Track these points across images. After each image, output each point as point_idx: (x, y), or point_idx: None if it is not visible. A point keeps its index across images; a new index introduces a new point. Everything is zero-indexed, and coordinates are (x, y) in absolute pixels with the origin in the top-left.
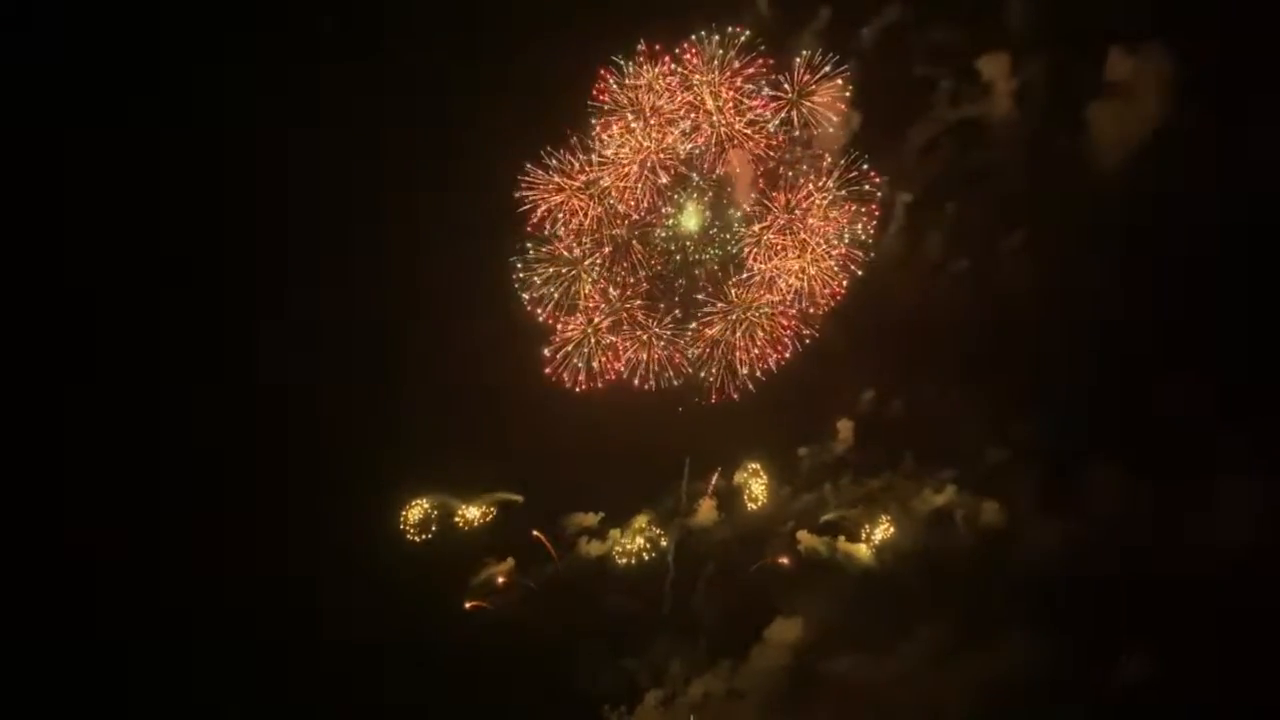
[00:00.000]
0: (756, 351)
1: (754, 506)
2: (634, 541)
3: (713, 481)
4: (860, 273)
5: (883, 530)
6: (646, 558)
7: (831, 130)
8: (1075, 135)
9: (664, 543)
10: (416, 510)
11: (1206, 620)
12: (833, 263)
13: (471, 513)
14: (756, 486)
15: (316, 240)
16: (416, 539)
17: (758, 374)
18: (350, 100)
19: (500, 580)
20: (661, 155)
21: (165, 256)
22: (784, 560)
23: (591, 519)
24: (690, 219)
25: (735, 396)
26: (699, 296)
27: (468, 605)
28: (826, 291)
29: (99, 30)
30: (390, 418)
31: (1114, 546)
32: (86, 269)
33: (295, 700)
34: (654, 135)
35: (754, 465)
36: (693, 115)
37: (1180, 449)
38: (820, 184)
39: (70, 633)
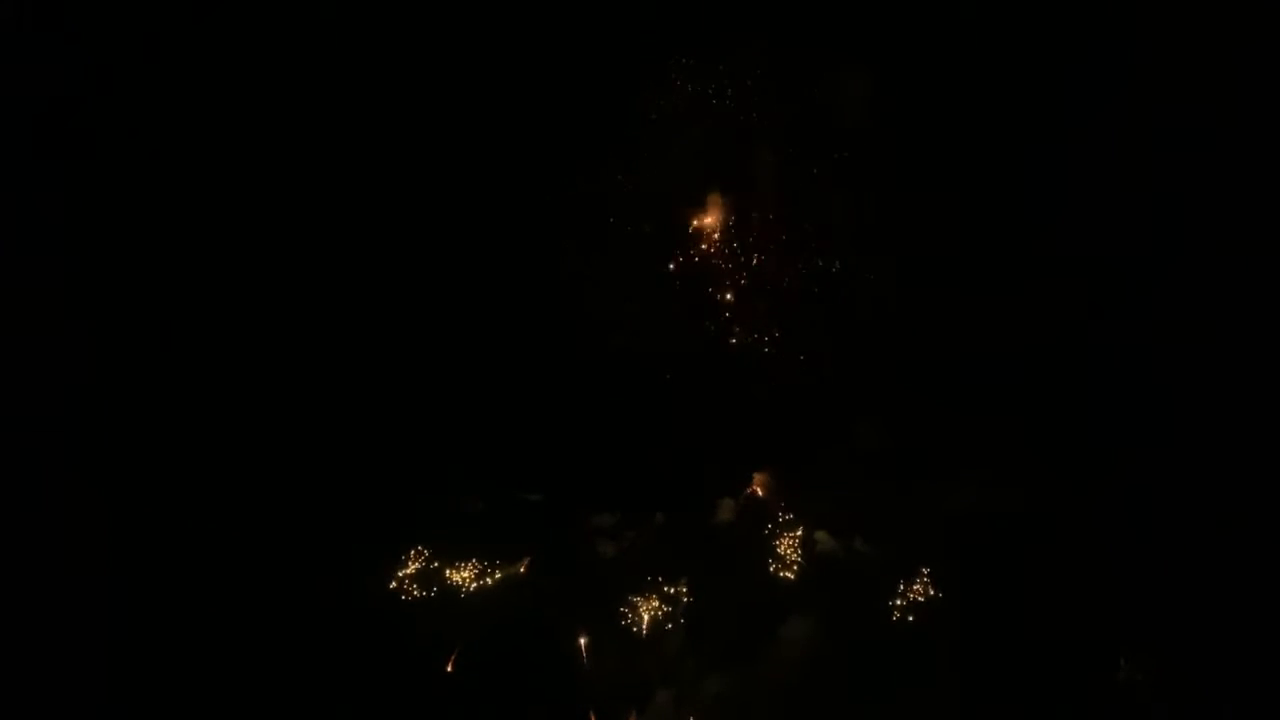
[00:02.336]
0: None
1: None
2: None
3: (743, 488)
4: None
5: (924, 599)
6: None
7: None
8: None
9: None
10: (414, 565)
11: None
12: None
13: (464, 573)
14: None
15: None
16: (414, 595)
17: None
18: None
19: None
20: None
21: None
22: (801, 559)
23: (608, 518)
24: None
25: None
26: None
27: (449, 668)
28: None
29: None
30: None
31: (1137, 550)
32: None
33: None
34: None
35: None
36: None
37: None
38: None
39: None
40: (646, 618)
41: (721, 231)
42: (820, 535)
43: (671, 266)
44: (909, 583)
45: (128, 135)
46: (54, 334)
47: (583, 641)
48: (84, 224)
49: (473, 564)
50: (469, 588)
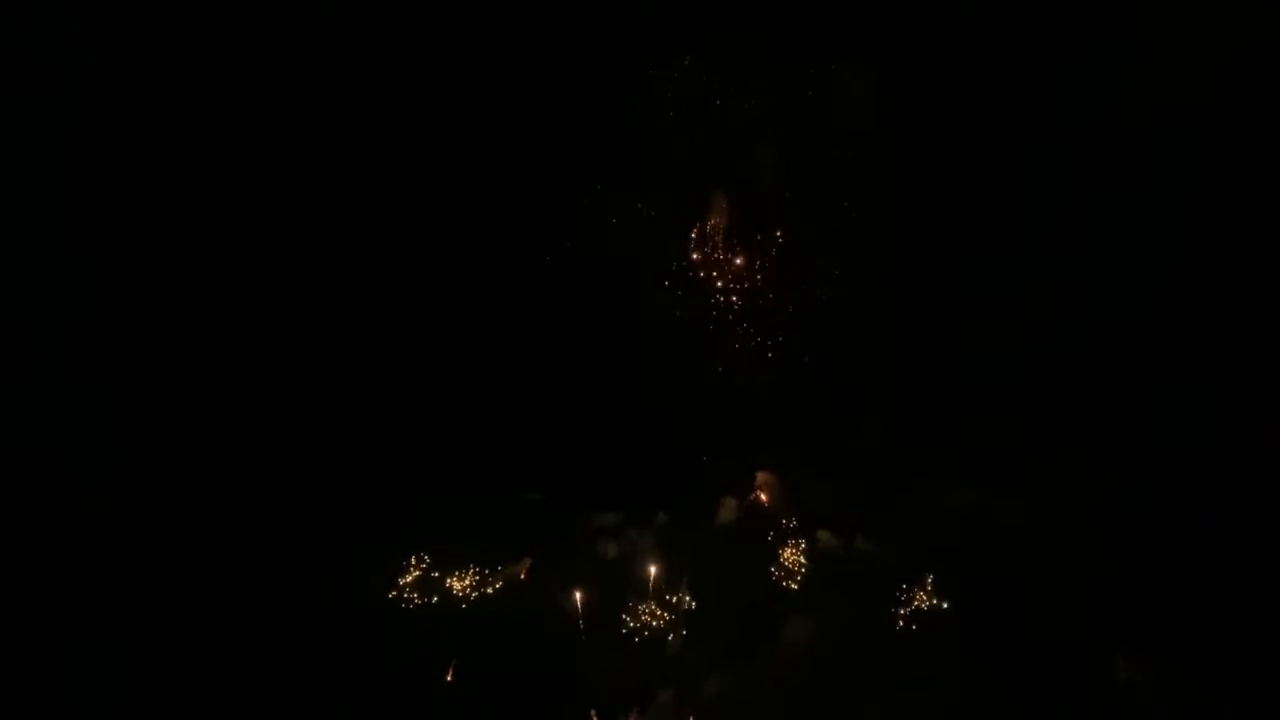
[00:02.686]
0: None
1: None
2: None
3: (746, 488)
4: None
5: (925, 598)
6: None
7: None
8: None
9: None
10: (417, 565)
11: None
12: None
13: (466, 574)
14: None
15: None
16: (417, 596)
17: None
18: None
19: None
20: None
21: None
22: (803, 558)
23: (610, 518)
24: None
25: None
26: None
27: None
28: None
29: None
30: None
31: (1137, 550)
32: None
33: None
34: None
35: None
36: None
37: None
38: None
39: None
40: (648, 618)
41: (725, 234)
42: (822, 534)
43: (675, 268)
44: (910, 581)
45: (128, 136)
46: (56, 337)
47: (584, 641)
48: (86, 226)
49: (475, 564)
50: (471, 588)
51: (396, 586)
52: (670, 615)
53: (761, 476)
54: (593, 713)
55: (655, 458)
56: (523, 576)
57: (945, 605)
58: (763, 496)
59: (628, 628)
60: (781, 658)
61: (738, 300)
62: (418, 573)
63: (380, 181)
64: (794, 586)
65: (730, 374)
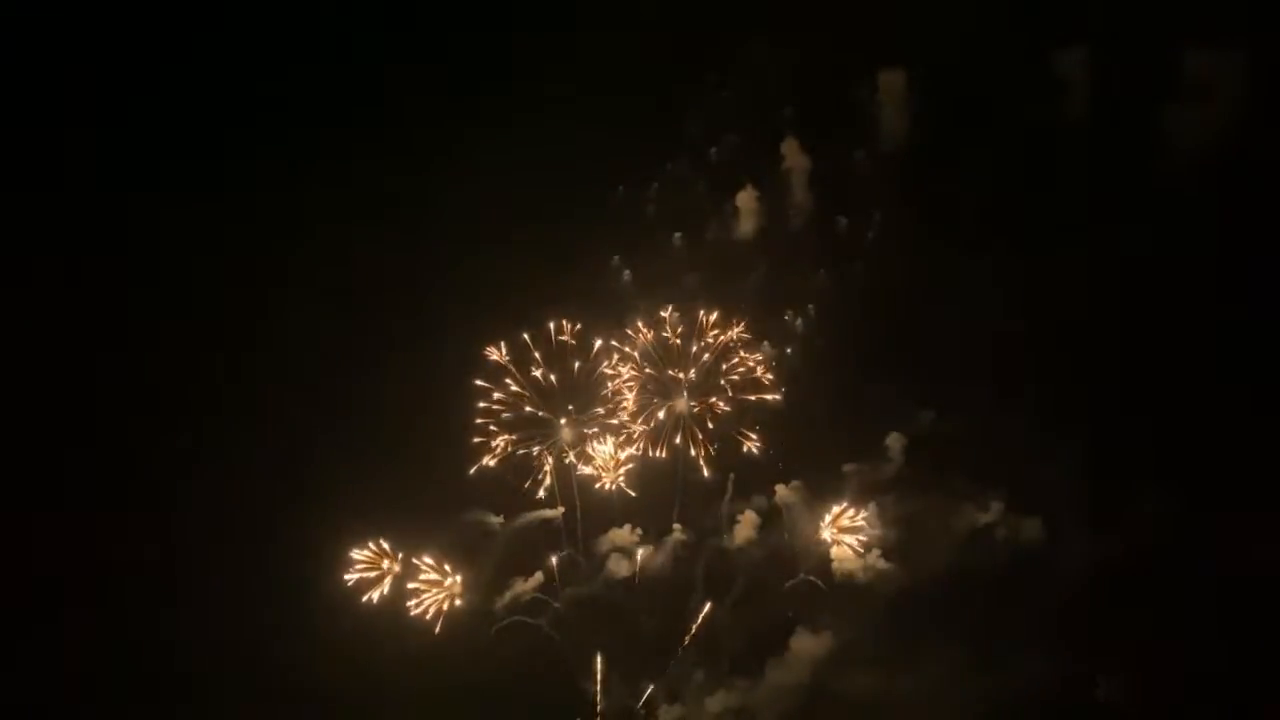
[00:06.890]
0: None
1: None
2: None
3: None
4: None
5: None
6: None
7: None
8: None
9: None
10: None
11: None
12: None
13: (478, 588)
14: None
15: None
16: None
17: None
18: None
19: (526, 597)
20: None
21: None
22: (815, 578)
23: (626, 536)
24: None
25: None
26: None
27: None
28: None
29: None
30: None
31: (1151, 566)
32: None
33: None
34: None
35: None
36: None
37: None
38: None
39: None
40: (657, 634)
41: (750, 243)
42: (837, 553)
43: (697, 277)
44: (922, 601)
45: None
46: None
47: (592, 657)
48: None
49: (486, 579)
50: (482, 603)
51: (407, 599)
52: (680, 632)
53: (778, 495)
54: None
55: (672, 475)
56: (533, 591)
57: (953, 624)
58: (780, 514)
59: (637, 644)
60: (789, 676)
61: (762, 312)
62: (430, 587)
63: (394, 193)
64: (806, 605)
65: (750, 390)
